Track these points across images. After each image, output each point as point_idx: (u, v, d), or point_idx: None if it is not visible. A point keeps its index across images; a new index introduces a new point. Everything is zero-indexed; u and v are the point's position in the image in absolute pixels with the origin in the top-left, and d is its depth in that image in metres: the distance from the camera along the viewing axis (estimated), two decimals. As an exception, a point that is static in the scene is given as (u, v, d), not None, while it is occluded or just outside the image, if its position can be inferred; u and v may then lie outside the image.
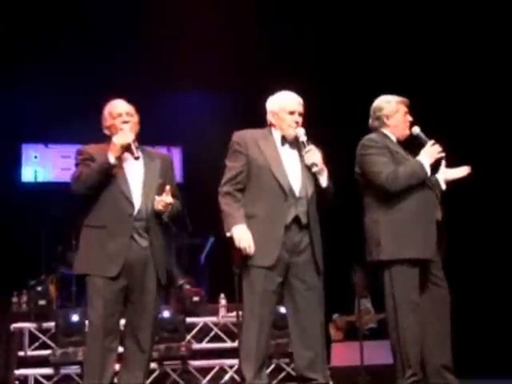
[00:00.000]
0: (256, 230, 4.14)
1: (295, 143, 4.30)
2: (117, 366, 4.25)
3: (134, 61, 8.49)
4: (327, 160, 4.35)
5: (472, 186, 4.87)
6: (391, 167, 4.42)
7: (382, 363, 6.19)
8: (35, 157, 9.31)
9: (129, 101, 4.40)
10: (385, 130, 4.59)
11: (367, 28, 8.31)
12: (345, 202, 4.65)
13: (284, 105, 4.32)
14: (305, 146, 4.23)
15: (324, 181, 4.24)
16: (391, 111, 4.58)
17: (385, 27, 8.24)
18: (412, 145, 4.60)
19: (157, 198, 4.21)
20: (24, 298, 6.82)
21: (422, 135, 4.59)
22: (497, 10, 7.80)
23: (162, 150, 8.82)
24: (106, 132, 4.34)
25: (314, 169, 4.19)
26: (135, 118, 4.35)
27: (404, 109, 4.60)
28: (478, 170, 4.73)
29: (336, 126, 8.16)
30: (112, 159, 4.13)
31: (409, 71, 8.12)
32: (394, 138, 4.58)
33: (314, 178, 4.24)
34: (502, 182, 7.93)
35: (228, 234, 4.16)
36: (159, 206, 4.20)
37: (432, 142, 4.51)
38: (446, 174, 4.63)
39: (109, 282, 4.12)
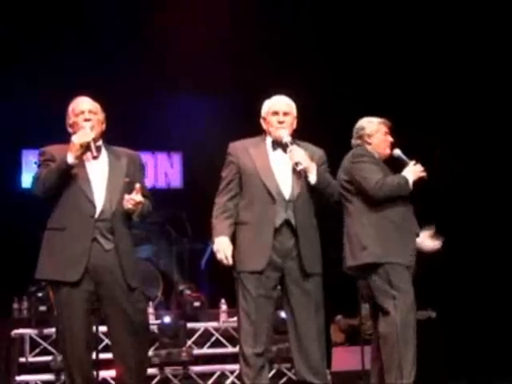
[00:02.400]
0: (246, 235, 4.21)
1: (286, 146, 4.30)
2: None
3: (134, 61, 8.44)
4: (328, 161, 4.40)
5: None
6: (381, 175, 4.54)
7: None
8: (35, 163, 9.19)
9: (128, 101, 4.34)
10: (367, 148, 4.71)
11: (367, 31, 8.27)
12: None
13: (269, 107, 4.38)
14: (288, 147, 4.24)
15: (313, 178, 4.23)
16: (372, 130, 4.71)
17: (384, 32, 8.21)
18: (392, 166, 4.73)
19: (126, 196, 4.04)
20: (25, 304, 6.81)
21: (403, 156, 4.72)
22: (489, 20, 7.78)
23: (163, 156, 8.86)
24: (69, 130, 4.18)
25: (299, 167, 4.19)
26: (99, 116, 4.17)
27: (384, 129, 4.74)
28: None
29: (336, 126, 8.10)
30: (70, 159, 3.96)
31: (408, 75, 8.12)
32: (376, 156, 4.69)
33: (305, 178, 4.25)
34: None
35: (212, 246, 4.27)
36: (128, 205, 4.03)
37: (413, 162, 4.63)
38: (421, 244, 4.72)
39: (71, 288, 3.94)
